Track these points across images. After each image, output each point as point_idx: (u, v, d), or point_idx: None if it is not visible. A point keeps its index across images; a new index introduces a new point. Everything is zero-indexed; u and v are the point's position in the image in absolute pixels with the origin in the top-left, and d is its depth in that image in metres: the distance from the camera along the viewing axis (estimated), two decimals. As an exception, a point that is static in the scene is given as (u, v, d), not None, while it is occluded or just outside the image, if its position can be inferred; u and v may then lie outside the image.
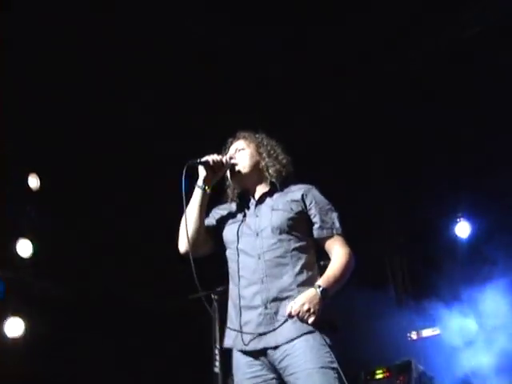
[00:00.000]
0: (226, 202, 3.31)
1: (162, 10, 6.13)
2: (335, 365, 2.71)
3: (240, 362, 2.93)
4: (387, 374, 6.47)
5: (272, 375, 2.84)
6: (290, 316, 2.76)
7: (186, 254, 3.01)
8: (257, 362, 2.87)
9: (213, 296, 4.20)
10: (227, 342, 3.02)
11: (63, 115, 6.65)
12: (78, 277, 7.61)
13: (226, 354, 3.09)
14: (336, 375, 2.69)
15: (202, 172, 3.08)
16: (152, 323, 8.05)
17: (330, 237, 3.05)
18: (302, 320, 2.74)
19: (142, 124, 6.91)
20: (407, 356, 6.98)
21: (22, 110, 6.38)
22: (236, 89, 6.92)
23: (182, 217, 3.08)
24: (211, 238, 3.16)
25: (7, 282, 6.77)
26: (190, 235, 3.01)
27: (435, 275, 7.89)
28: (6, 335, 6.46)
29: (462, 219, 8.39)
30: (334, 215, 3.09)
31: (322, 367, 2.69)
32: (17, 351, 6.52)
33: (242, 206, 3.20)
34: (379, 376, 6.51)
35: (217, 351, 4.30)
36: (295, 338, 2.76)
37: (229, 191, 3.32)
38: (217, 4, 6.22)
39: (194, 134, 6.68)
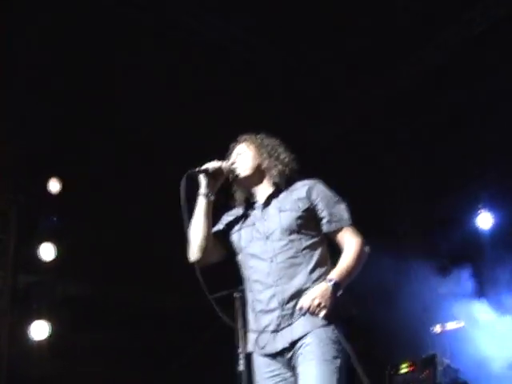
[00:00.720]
0: (234, 207, 3.29)
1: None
2: (338, 360, 2.72)
3: (259, 362, 2.95)
4: (412, 367, 6.43)
5: (290, 373, 2.85)
6: (301, 310, 2.75)
7: (196, 262, 3.02)
8: (274, 361, 2.88)
9: (235, 295, 4.21)
10: (249, 347, 3.01)
11: (85, 119, 6.70)
12: (101, 279, 7.66)
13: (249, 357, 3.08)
14: (335, 369, 2.69)
15: (203, 180, 3.06)
16: (175, 324, 8.08)
17: (340, 229, 3.00)
18: (313, 314, 2.73)
19: (163, 126, 6.93)
20: (432, 349, 6.95)
21: (44, 115, 6.44)
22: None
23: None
24: (221, 244, 3.15)
25: (31, 286, 6.84)
26: (198, 243, 3.03)
27: (459, 267, 7.84)
28: (31, 338, 6.52)
29: (483, 210, 8.30)
30: (342, 207, 3.04)
31: (324, 360, 2.70)
32: (42, 354, 6.59)
33: (249, 210, 3.18)
34: (404, 370, 6.48)
35: (240, 349, 4.32)
36: (308, 334, 2.76)
37: (236, 196, 3.30)
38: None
39: (211, 136, 6.69)
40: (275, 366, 2.87)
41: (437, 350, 6.75)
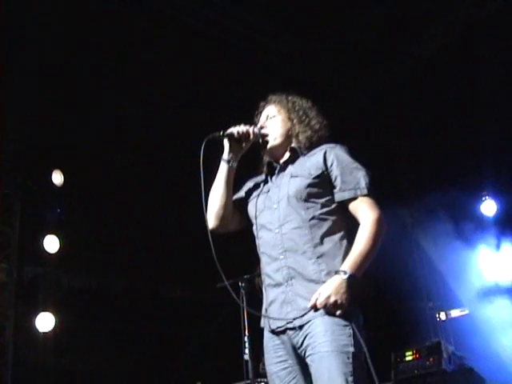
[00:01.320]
0: (260, 172, 3.08)
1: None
2: (350, 348, 2.47)
3: (268, 345, 2.76)
4: (417, 355, 6.42)
5: (296, 360, 2.67)
6: (315, 309, 2.52)
7: (214, 229, 2.89)
8: (282, 346, 2.69)
9: (240, 283, 4.22)
10: (261, 323, 2.86)
11: (86, 112, 6.70)
12: (105, 270, 7.69)
13: (257, 339, 2.99)
14: (349, 360, 2.46)
15: (226, 145, 2.88)
16: (181, 314, 8.11)
17: (354, 199, 2.71)
18: (330, 314, 2.50)
19: (165, 119, 6.92)
20: (436, 337, 6.95)
21: (46, 108, 6.43)
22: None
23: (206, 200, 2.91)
24: (240, 212, 2.97)
25: (37, 278, 6.86)
26: (216, 211, 2.89)
27: (463, 255, 7.85)
28: (37, 330, 6.54)
29: (487, 197, 8.30)
30: (360, 174, 2.73)
31: (335, 351, 2.46)
32: (47, 345, 6.61)
33: (268, 177, 2.96)
34: (409, 358, 6.47)
35: (246, 339, 4.34)
36: (315, 318, 2.54)
37: (263, 161, 3.08)
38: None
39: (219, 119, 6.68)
40: (282, 352, 2.70)
41: (441, 338, 6.75)
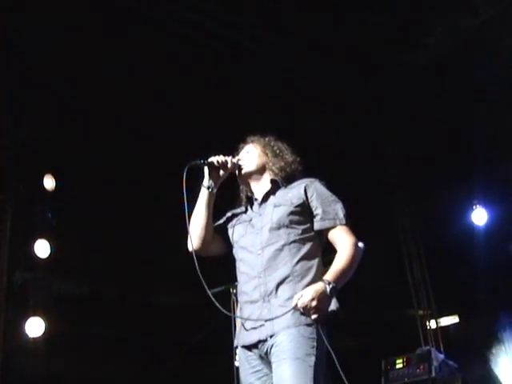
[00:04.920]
0: (240, 205, 3.37)
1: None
2: (312, 357, 2.67)
3: (241, 357, 2.97)
4: (407, 363, 6.45)
5: (270, 369, 2.81)
6: (296, 308, 2.73)
7: (196, 251, 3.07)
8: (255, 357, 2.88)
9: (231, 290, 4.22)
10: (234, 343, 3.13)
11: (78, 116, 6.68)
12: (97, 276, 7.66)
13: None
14: (310, 368, 2.65)
15: (206, 173, 3.15)
16: (173, 320, 8.08)
17: (333, 227, 2.99)
18: (305, 314, 2.72)
19: (156, 123, 6.92)
20: (427, 345, 6.97)
21: (37, 111, 6.42)
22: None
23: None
24: (221, 238, 3.23)
25: (26, 283, 6.83)
26: (197, 233, 3.11)
27: (453, 263, 7.87)
28: (27, 335, 6.51)
29: (478, 206, 8.33)
30: (338, 206, 3.03)
31: (297, 358, 2.66)
32: (37, 351, 6.58)
33: (248, 207, 3.26)
34: (399, 365, 6.49)
35: (236, 344, 4.33)
36: (281, 331, 2.75)
37: (241, 194, 3.39)
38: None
39: (208, 132, 6.69)
40: (256, 362, 2.88)
41: (432, 346, 6.76)
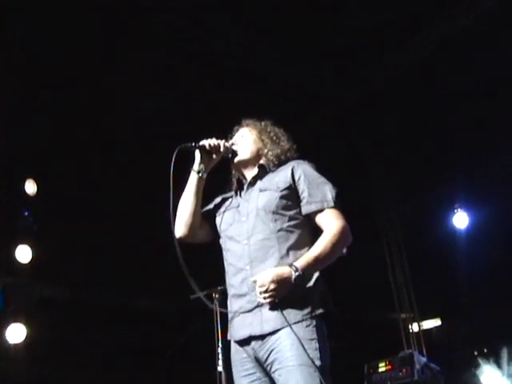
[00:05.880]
0: (230, 189, 3.19)
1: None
2: (317, 361, 2.52)
3: (235, 359, 2.82)
4: (390, 366, 6.47)
5: (264, 373, 2.70)
6: (255, 284, 2.60)
7: (181, 238, 2.97)
8: (249, 359, 2.73)
9: (214, 295, 4.21)
10: (228, 335, 2.91)
11: (59, 121, 6.65)
12: (78, 281, 7.62)
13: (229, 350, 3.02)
14: (316, 373, 2.50)
15: (197, 156, 2.98)
16: (153, 324, 8.06)
17: (321, 211, 2.78)
18: (262, 298, 2.58)
19: (139, 126, 6.89)
20: (409, 348, 7.00)
21: (19, 116, 6.37)
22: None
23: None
24: (208, 225, 3.07)
25: (7, 288, 6.77)
26: (185, 219, 2.97)
27: (435, 267, 7.92)
28: (7, 341, 6.45)
29: (459, 210, 8.39)
30: (327, 188, 2.83)
31: (302, 365, 2.51)
32: (18, 357, 6.52)
33: (238, 193, 3.08)
34: (382, 369, 6.52)
35: (219, 350, 4.32)
36: (280, 329, 2.60)
37: (233, 179, 3.20)
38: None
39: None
40: (250, 365, 2.73)
41: (414, 349, 6.80)
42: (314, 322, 2.62)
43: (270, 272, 2.60)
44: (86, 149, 6.95)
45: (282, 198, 2.82)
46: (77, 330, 7.64)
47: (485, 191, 7.94)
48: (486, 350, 7.60)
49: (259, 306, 2.67)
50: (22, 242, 6.74)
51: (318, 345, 2.57)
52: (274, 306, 2.61)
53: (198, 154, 2.99)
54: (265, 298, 2.58)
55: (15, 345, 6.49)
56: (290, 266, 2.61)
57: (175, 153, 2.84)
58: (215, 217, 3.07)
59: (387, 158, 8.82)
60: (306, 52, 6.98)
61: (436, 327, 8.40)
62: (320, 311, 2.66)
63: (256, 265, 2.73)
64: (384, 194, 9.02)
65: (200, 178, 2.99)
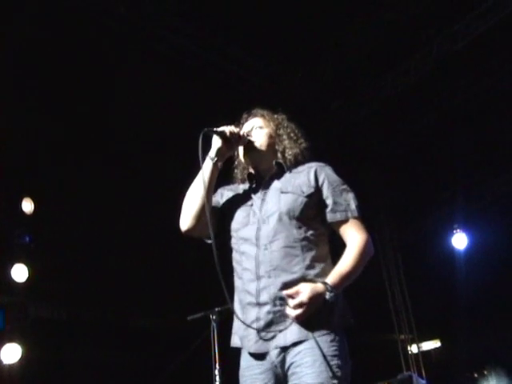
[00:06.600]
0: (233, 182, 3.00)
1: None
2: (335, 381, 2.41)
3: (245, 374, 2.63)
4: (389, 388, 6.41)
5: (272, 381, 2.54)
6: (288, 296, 2.45)
7: (188, 231, 2.78)
8: (261, 377, 2.56)
9: (211, 316, 4.18)
10: (235, 342, 2.71)
11: (56, 140, 6.64)
12: (74, 300, 7.57)
13: (228, 372, 2.92)
14: None
15: (216, 143, 2.76)
16: (149, 344, 8.01)
17: (345, 221, 2.67)
18: (291, 312, 2.43)
19: (137, 142, 6.89)
20: (408, 370, 6.94)
21: (16, 135, 6.36)
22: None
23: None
24: (215, 218, 2.79)
25: (3, 307, 6.72)
26: (193, 211, 2.74)
27: (434, 288, 7.88)
28: (2, 361, 6.38)
29: (458, 230, 8.38)
30: (350, 196, 2.73)
31: (321, 383, 2.39)
32: (13, 378, 6.44)
33: (250, 190, 2.86)
34: (381, 391, 6.46)
35: (217, 372, 4.28)
36: (304, 341, 2.47)
37: (237, 171, 3.01)
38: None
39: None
40: (258, 370, 2.57)
41: (413, 371, 6.74)
42: (338, 337, 2.52)
43: (306, 287, 2.46)
44: (83, 168, 6.95)
45: (306, 204, 2.67)
46: (73, 350, 7.58)
47: (484, 211, 7.93)
48: (485, 372, 7.53)
49: (284, 316, 2.52)
50: (19, 261, 6.70)
51: (340, 362, 2.47)
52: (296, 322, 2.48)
53: (216, 140, 2.77)
54: (297, 314, 2.44)
55: (10, 365, 6.41)
56: (324, 283, 2.49)
57: (201, 136, 2.66)
58: (224, 212, 2.86)
59: (386, 182, 8.80)
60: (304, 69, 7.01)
61: (435, 349, 8.32)
62: (342, 325, 2.58)
63: (279, 273, 2.57)
64: (382, 217, 8.99)
65: (215, 166, 2.76)
